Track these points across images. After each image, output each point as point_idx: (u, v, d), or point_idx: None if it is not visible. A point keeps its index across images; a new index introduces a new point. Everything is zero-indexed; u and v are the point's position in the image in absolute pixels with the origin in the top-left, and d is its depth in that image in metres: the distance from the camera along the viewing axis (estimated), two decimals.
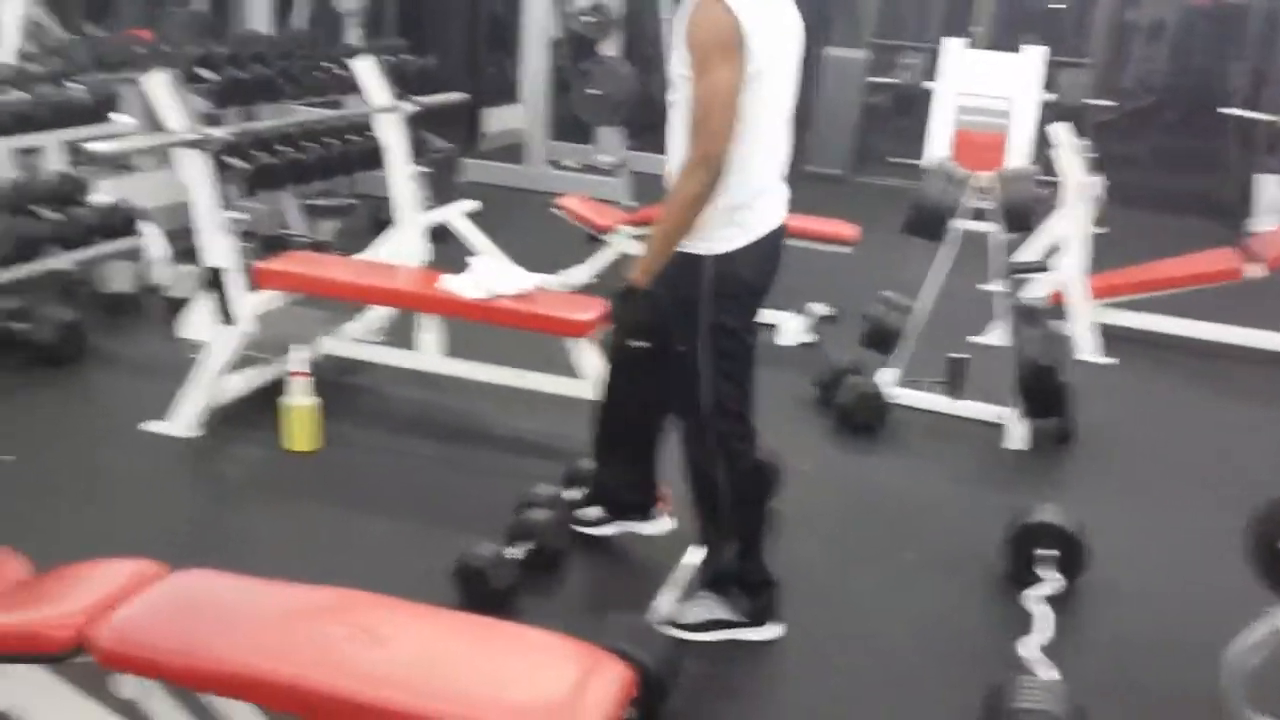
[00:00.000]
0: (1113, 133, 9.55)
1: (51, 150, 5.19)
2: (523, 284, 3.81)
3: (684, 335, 2.69)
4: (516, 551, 2.98)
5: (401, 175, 4.75)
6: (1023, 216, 4.33)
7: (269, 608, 1.97)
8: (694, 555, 2.99)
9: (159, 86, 3.72)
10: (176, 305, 4.60)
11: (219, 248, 3.74)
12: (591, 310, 3.69)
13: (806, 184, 9.08)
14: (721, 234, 2.62)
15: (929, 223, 4.37)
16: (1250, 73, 9.44)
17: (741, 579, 2.83)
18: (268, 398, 3.90)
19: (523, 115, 8.88)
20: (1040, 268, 5.06)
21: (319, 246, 5.95)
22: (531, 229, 6.32)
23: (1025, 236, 5.50)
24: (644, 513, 3.23)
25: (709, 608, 2.85)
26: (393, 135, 4.74)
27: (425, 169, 6.60)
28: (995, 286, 4.43)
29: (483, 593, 2.84)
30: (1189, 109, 10.36)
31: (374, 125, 5.02)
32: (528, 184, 8.09)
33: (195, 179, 3.72)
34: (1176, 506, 3.89)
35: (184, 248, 5.13)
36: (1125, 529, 3.64)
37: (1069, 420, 4.22)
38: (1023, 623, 2.90)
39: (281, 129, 6.22)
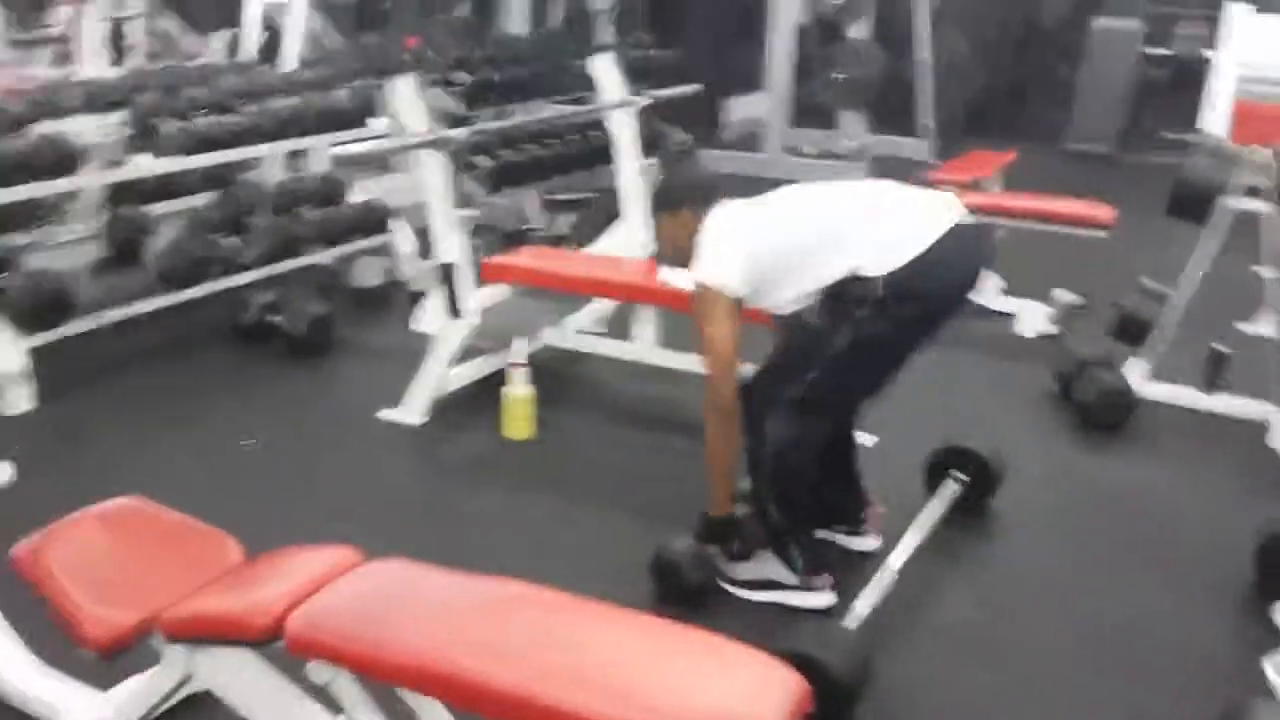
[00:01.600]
0: None
1: (317, 153, 5.51)
2: None
3: (828, 321, 2.70)
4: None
5: (630, 168, 4.78)
6: None
7: (455, 600, 1.98)
8: (897, 558, 2.86)
9: (402, 91, 3.90)
10: (419, 298, 4.83)
11: (451, 244, 3.88)
12: None
13: (1067, 163, 8.79)
14: (884, 262, 2.62)
15: (1193, 202, 4.05)
16: None
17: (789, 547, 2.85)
18: (493, 387, 4.03)
19: (764, 103, 8.81)
20: None
21: (555, 240, 6.11)
22: None
23: None
24: (853, 524, 3.15)
25: (763, 567, 2.88)
26: (623, 129, 4.78)
27: (659, 161, 6.63)
28: (1267, 270, 4.02)
29: (677, 587, 2.83)
30: None
31: (608, 120, 5.07)
32: (765, 172, 7.98)
33: (430, 178, 3.87)
34: None
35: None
36: None
37: None
38: (1271, 640, 2.62)
39: (524, 127, 6.43)
